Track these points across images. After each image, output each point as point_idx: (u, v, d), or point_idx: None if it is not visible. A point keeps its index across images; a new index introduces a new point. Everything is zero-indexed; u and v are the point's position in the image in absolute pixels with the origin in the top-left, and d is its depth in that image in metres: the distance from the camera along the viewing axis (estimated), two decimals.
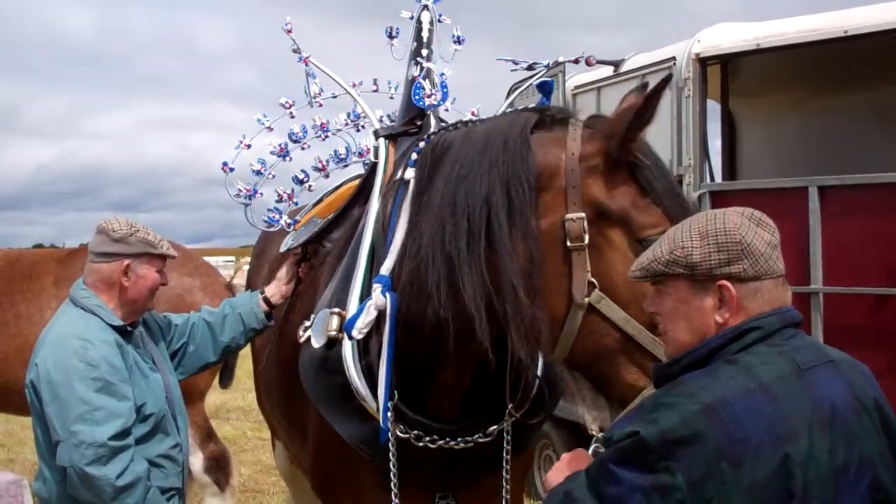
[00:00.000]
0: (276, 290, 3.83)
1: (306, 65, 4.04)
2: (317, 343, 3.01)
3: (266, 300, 3.82)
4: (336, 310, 3.00)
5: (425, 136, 3.08)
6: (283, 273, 3.84)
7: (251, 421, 9.99)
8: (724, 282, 2.03)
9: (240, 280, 6.60)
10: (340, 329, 2.94)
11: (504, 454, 3.00)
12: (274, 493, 7.86)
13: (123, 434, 3.26)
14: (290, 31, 3.96)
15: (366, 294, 2.92)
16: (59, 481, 3.33)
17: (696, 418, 1.87)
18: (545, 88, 3.55)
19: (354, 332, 2.83)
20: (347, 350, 2.91)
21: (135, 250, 3.50)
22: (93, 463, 3.18)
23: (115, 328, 3.44)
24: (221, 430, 8.96)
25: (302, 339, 3.13)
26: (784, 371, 1.97)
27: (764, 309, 2.04)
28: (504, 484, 3.04)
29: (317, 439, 3.28)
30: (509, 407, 2.98)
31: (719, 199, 5.40)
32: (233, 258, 15.60)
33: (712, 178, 6.77)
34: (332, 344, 2.98)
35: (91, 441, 3.19)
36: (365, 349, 2.92)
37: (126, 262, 3.49)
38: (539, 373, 3.02)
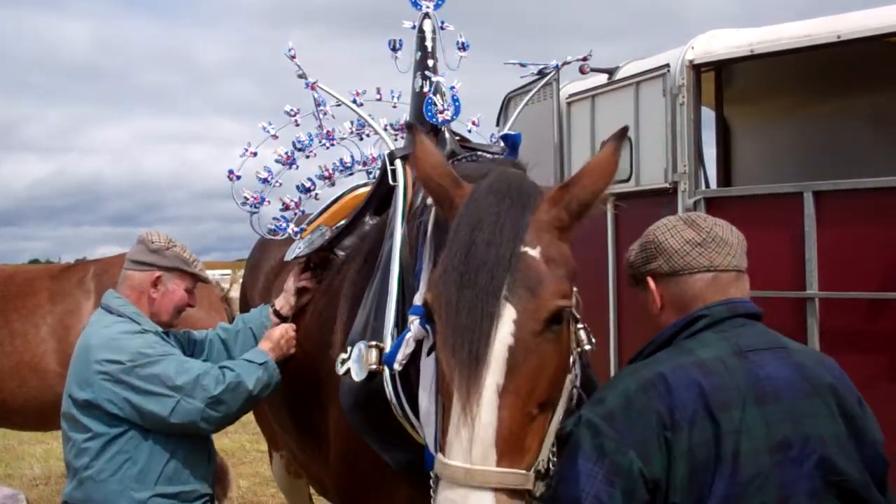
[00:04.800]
0: (286, 301, 3.86)
1: (314, 90, 3.96)
2: (357, 377, 3.00)
3: (276, 312, 3.84)
4: (373, 343, 3.00)
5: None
6: (290, 284, 3.84)
7: (249, 433, 9.95)
8: (648, 277, 2.29)
9: (236, 293, 6.58)
10: (380, 362, 2.93)
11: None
12: None
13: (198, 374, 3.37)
14: (293, 57, 3.87)
15: (401, 324, 2.92)
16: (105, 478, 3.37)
17: (636, 394, 2.01)
18: (509, 141, 3.37)
19: (396, 366, 2.81)
20: (389, 381, 2.90)
21: (168, 264, 3.56)
22: (217, 392, 3.32)
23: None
24: (220, 442, 8.91)
25: (341, 372, 3.10)
26: (723, 352, 2.11)
27: (704, 302, 2.21)
28: None
29: (342, 453, 3.27)
30: None
31: (714, 205, 5.39)
32: (229, 271, 15.57)
33: (707, 185, 6.77)
34: (373, 375, 2.97)
35: (194, 382, 3.32)
36: (405, 378, 2.89)
37: (157, 273, 3.55)
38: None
